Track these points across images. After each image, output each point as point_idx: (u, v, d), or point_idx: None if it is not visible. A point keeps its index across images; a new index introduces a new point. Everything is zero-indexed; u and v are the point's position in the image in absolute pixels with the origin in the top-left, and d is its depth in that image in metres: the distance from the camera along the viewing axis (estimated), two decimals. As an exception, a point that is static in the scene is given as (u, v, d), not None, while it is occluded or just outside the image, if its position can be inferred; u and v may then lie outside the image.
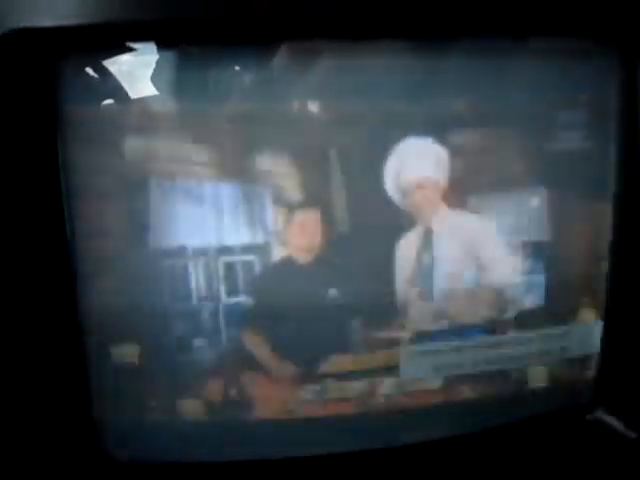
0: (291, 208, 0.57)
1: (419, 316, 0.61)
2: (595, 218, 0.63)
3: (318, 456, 0.61)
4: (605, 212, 0.63)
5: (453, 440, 0.63)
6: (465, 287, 0.61)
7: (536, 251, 0.62)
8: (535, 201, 0.61)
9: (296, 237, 0.58)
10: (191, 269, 0.57)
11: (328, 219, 0.58)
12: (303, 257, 0.58)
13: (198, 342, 0.58)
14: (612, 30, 0.57)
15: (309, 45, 0.55)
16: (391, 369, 0.61)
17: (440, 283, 0.61)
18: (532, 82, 0.59)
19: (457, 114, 0.58)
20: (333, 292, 0.59)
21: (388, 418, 0.62)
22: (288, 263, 0.58)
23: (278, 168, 0.56)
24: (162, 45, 0.53)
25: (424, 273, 0.61)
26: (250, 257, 0.57)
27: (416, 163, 0.58)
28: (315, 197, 0.57)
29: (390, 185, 0.58)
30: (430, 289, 0.61)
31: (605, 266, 0.64)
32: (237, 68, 0.55)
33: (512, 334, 0.63)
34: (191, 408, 0.59)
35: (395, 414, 0.62)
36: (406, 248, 0.60)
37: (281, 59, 0.55)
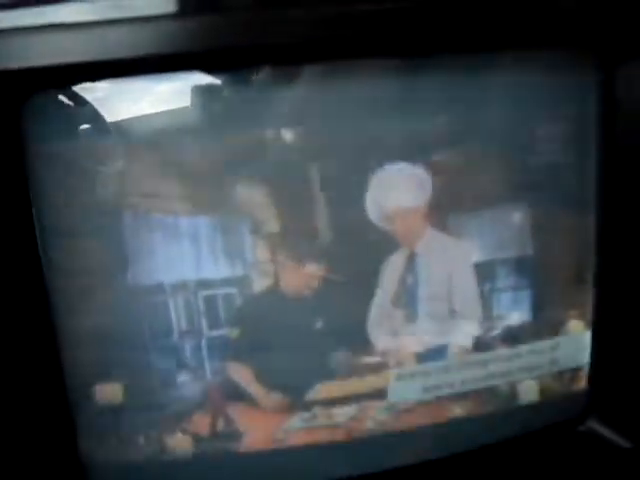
0: (272, 239, 0.56)
1: (407, 338, 0.60)
2: (578, 230, 0.63)
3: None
4: (588, 224, 0.62)
5: (446, 460, 0.62)
6: (450, 307, 0.61)
7: (521, 266, 0.62)
8: (518, 216, 0.61)
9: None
10: (171, 304, 0.56)
11: (309, 248, 0.57)
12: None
13: (182, 377, 0.57)
14: (590, 43, 0.57)
15: (286, 70, 0.54)
16: (379, 393, 0.61)
17: (425, 304, 0.60)
18: (511, 98, 0.58)
19: (437, 133, 0.58)
20: (317, 319, 0.58)
21: (378, 442, 0.61)
22: (270, 293, 0.57)
23: (256, 198, 0.55)
24: (133, 81, 0.52)
25: (409, 295, 0.60)
26: (231, 289, 0.56)
27: (397, 192, 0.58)
28: (295, 226, 0.57)
29: (372, 213, 0.57)
30: (415, 310, 0.60)
31: (591, 277, 0.64)
32: (211, 98, 0.54)
33: (501, 350, 0.63)
34: (179, 443, 0.58)
35: (385, 437, 0.61)
36: (390, 271, 0.59)
37: (256, 87, 0.54)
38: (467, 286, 0.61)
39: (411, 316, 0.60)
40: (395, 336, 0.60)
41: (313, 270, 0.57)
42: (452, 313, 0.61)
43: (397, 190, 0.58)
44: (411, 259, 0.60)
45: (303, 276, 0.57)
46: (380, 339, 0.60)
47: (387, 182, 0.57)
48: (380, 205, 0.57)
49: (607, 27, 0.55)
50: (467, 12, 0.52)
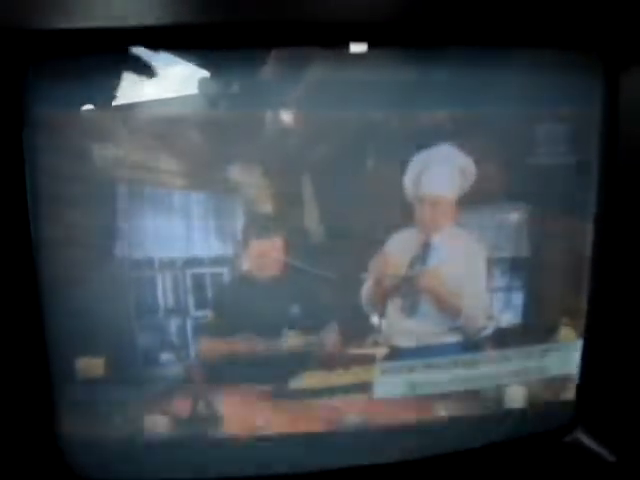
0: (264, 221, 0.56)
1: (396, 331, 0.60)
2: (576, 236, 0.62)
3: (287, 475, 0.59)
4: (586, 230, 0.61)
5: (426, 461, 0.61)
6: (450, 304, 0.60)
7: (516, 268, 0.61)
8: (515, 217, 0.60)
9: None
10: (159, 280, 0.55)
11: (302, 231, 0.56)
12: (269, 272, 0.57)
13: (165, 356, 0.57)
14: (594, 43, 0.56)
15: (294, 54, 0.54)
16: (364, 386, 0.60)
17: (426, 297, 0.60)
18: (514, 96, 0.58)
19: (437, 127, 0.57)
20: (306, 306, 0.57)
21: (360, 437, 0.60)
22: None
23: (251, 179, 0.55)
24: (135, 52, 0.52)
25: (411, 286, 0.59)
26: (219, 269, 0.56)
27: (432, 178, 0.58)
28: (289, 209, 0.56)
29: (409, 192, 0.57)
30: (414, 302, 0.60)
31: (585, 285, 0.63)
32: (213, 75, 0.54)
33: (490, 352, 0.62)
34: (157, 424, 0.58)
35: (367, 433, 0.61)
36: (395, 258, 0.58)
37: (264, 67, 0.53)
38: (472, 285, 0.61)
39: (409, 308, 0.60)
40: (384, 328, 0.59)
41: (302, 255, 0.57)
42: (450, 310, 0.60)
43: (433, 177, 0.58)
44: (426, 249, 0.59)
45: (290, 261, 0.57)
46: (369, 330, 0.59)
47: (427, 168, 0.57)
48: (416, 185, 0.57)
49: (612, 30, 0.54)
50: (477, 8, 0.52)
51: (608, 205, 0.61)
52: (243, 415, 0.59)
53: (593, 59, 0.57)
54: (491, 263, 0.61)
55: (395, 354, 0.60)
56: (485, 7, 0.52)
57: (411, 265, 0.59)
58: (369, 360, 0.59)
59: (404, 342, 0.60)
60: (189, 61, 0.53)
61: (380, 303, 0.59)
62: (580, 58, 0.57)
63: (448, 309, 0.60)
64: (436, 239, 0.60)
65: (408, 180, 0.57)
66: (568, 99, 0.59)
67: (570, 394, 0.65)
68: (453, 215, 0.59)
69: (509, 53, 0.57)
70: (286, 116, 0.55)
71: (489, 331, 0.62)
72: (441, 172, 0.58)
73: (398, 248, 0.58)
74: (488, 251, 0.61)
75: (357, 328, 0.59)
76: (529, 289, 0.62)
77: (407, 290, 0.60)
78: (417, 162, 0.57)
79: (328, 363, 0.59)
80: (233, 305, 0.57)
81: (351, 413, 0.60)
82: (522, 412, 0.64)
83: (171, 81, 0.53)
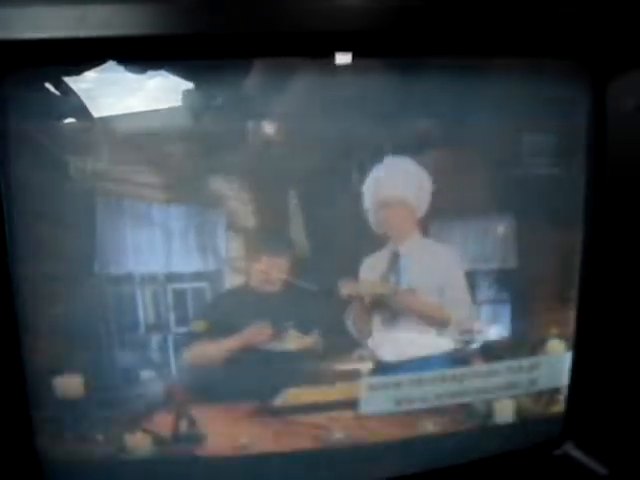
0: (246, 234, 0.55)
1: (382, 347, 0.59)
2: (563, 247, 0.61)
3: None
4: (574, 241, 0.61)
5: (414, 478, 0.60)
6: (429, 315, 0.59)
7: (503, 279, 0.60)
8: (501, 228, 0.60)
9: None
10: (139, 296, 0.54)
11: (286, 246, 0.56)
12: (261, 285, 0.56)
13: (146, 373, 0.55)
14: (580, 53, 0.56)
15: (276, 64, 0.53)
16: (351, 402, 0.59)
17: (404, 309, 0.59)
18: (500, 105, 0.57)
19: (423, 136, 0.57)
20: (288, 320, 0.56)
21: (347, 454, 0.59)
22: (240, 290, 0.56)
23: (234, 192, 0.54)
24: (115, 63, 0.51)
25: (391, 302, 0.58)
26: (201, 284, 0.55)
27: (391, 182, 0.57)
28: (271, 223, 0.55)
29: (367, 200, 0.56)
30: (398, 319, 0.59)
31: (574, 296, 0.62)
32: (195, 86, 0.53)
33: (477, 366, 0.61)
34: (139, 443, 0.56)
35: (355, 449, 0.59)
36: (370, 272, 0.57)
37: (248, 78, 0.53)
38: (453, 297, 0.60)
39: (392, 323, 0.59)
40: (369, 343, 0.58)
41: (287, 269, 0.56)
42: (434, 324, 0.59)
43: (390, 179, 0.57)
44: (395, 260, 0.58)
45: (277, 276, 0.56)
46: (353, 345, 0.58)
47: (385, 172, 0.56)
48: (374, 191, 0.56)
49: (598, 39, 0.54)
50: (462, 18, 0.51)
51: (595, 215, 0.60)
52: (226, 433, 0.57)
53: (579, 69, 0.57)
54: (476, 275, 0.60)
55: (381, 369, 0.59)
56: (470, 18, 0.51)
57: (383, 281, 0.58)
58: (355, 376, 0.58)
59: (390, 357, 0.59)
60: (170, 72, 0.52)
61: (363, 319, 0.58)
62: (566, 68, 0.57)
63: (432, 323, 0.60)
64: (404, 250, 0.58)
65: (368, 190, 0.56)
66: (554, 109, 0.58)
67: (559, 407, 0.64)
68: (419, 225, 0.58)
69: (494, 63, 0.56)
70: (270, 128, 0.54)
71: (477, 344, 0.61)
72: (394, 178, 0.58)
73: (369, 266, 0.57)
74: (469, 263, 0.60)
75: (342, 343, 0.58)
76: (517, 301, 0.61)
77: (387, 306, 0.59)
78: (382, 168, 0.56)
79: (313, 379, 0.58)
80: (214, 320, 0.56)
81: (337, 430, 0.59)
82: (511, 426, 0.63)
83: (152, 92, 0.52)
